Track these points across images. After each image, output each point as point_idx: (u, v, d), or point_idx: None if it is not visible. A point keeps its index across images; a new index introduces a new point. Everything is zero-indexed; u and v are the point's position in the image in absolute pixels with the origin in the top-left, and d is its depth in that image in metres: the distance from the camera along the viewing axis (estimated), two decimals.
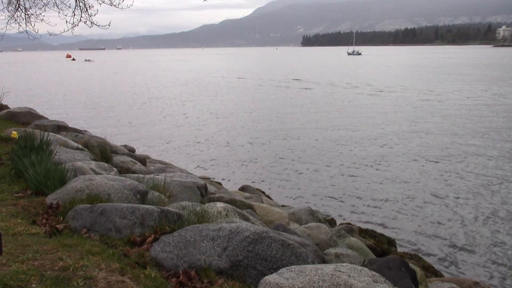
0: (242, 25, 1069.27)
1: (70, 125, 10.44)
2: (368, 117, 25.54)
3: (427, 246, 9.34)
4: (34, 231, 3.64)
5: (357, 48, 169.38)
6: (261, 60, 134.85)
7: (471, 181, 13.64)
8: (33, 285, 2.60)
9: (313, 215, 7.84)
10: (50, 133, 7.09)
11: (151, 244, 3.43)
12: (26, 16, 9.91)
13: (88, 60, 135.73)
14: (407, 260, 5.82)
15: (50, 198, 4.41)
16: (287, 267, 2.89)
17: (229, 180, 13.91)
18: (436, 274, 7.07)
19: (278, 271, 2.84)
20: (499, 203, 11.73)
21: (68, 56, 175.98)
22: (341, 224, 8.92)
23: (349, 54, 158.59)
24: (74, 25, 9.44)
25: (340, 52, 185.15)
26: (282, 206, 9.39)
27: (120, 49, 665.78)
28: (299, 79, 54.19)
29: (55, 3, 9.48)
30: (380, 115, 26.14)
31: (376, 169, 15.07)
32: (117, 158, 7.74)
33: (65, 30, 9.31)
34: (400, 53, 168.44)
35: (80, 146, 7.48)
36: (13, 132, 7.21)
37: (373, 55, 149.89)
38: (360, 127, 22.62)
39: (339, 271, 2.76)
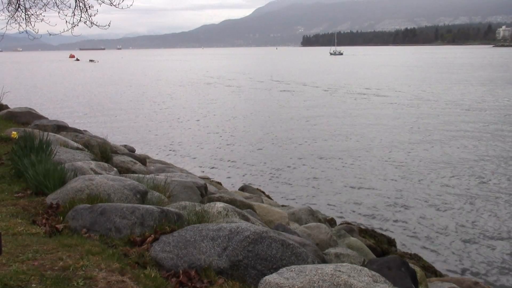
0: (242, 25, 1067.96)
1: (70, 125, 10.44)
2: (368, 118, 25.55)
3: (427, 246, 9.34)
4: (34, 231, 3.64)
5: (338, 49, 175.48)
6: (260, 60, 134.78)
7: (471, 182, 13.64)
8: (33, 285, 2.59)
9: (313, 215, 7.84)
10: (50, 133, 7.08)
11: (151, 244, 3.43)
12: (26, 16, 9.92)
13: (92, 61, 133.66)
14: (407, 260, 5.82)
15: (50, 198, 4.41)
16: (287, 267, 2.89)
17: (229, 180, 13.91)
18: (436, 274, 7.08)
19: (278, 271, 2.84)
20: (499, 203, 11.73)
21: (72, 56, 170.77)
22: (341, 224, 8.91)
23: (331, 54, 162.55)
24: (74, 25, 9.45)
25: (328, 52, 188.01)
26: (282, 206, 9.39)
27: (120, 49, 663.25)
28: (294, 80, 54.22)
29: (55, 3, 9.49)
30: (378, 116, 26.15)
31: (377, 170, 15.07)
32: (117, 158, 7.73)
33: (65, 30, 9.33)
34: (381, 53, 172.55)
35: (80, 146, 7.48)
36: (13, 132, 7.20)
37: (352, 55, 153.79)
38: (359, 128, 22.62)
39: (339, 271, 2.76)
